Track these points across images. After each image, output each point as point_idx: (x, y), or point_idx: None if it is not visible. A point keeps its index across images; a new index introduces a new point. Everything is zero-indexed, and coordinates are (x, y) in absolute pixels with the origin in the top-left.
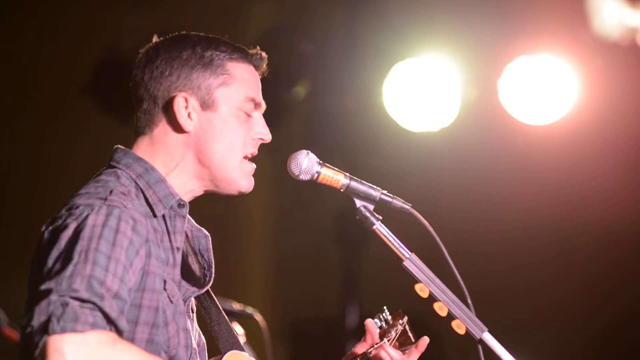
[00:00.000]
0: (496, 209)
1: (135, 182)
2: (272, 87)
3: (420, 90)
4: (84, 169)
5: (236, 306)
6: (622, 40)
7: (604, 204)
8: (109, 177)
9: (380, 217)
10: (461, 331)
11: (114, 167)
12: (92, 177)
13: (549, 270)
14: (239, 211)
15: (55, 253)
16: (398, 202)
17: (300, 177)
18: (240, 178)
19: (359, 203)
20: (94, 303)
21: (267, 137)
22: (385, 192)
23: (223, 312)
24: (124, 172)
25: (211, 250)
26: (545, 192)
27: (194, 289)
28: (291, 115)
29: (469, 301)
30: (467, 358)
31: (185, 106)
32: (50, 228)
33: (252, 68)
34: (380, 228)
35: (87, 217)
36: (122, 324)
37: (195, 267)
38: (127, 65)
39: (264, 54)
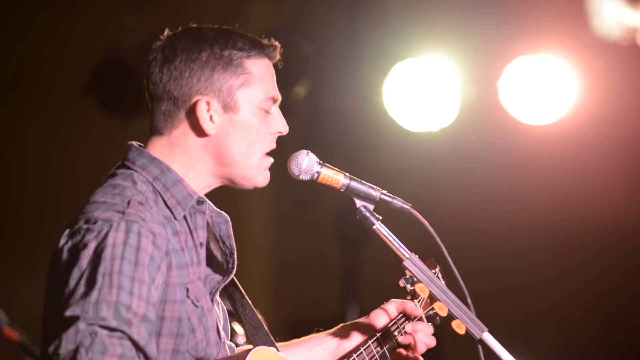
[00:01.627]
0: (496, 209)
1: (152, 185)
2: None
3: (420, 90)
4: (84, 169)
5: None
6: (622, 40)
7: (604, 204)
8: (126, 181)
9: (380, 217)
10: (461, 331)
11: (128, 167)
12: (91, 177)
13: (549, 270)
14: (239, 211)
15: (76, 273)
16: (398, 202)
17: (300, 177)
18: (258, 174)
19: (359, 203)
20: (122, 331)
21: (285, 129)
22: (385, 192)
23: (247, 297)
24: (140, 174)
25: (232, 237)
26: (545, 192)
27: (218, 277)
28: (291, 115)
29: (469, 301)
30: (467, 358)
31: (207, 109)
32: (70, 244)
33: (267, 61)
34: (380, 228)
35: (107, 235)
36: (151, 350)
37: (217, 254)
38: (127, 65)
39: (277, 43)
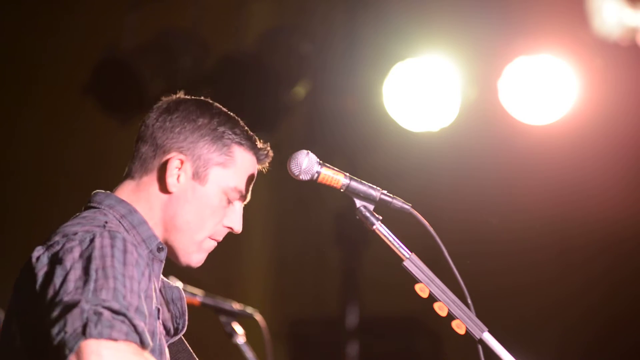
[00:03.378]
0: (496, 209)
1: (119, 222)
2: (272, 87)
3: (420, 90)
4: (83, 169)
5: (236, 306)
6: (622, 40)
7: (604, 203)
8: (95, 214)
9: (380, 217)
10: (461, 331)
11: (95, 207)
12: (91, 177)
13: (549, 270)
14: None
15: (60, 272)
16: (398, 202)
17: (300, 177)
18: (196, 252)
19: (359, 203)
20: (124, 315)
21: (238, 229)
22: (385, 192)
23: (191, 351)
24: (108, 212)
25: (184, 299)
26: (545, 192)
27: (167, 338)
28: (291, 115)
29: (469, 301)
30: (467, 358)
31: (178, 167)
32: (47, 253)
33: (254, 160)
34: (380, 228)
35: (92, 240)
36: (147, 338)
37: (166, 316)
38: (127, 65)
39: (271, 152)
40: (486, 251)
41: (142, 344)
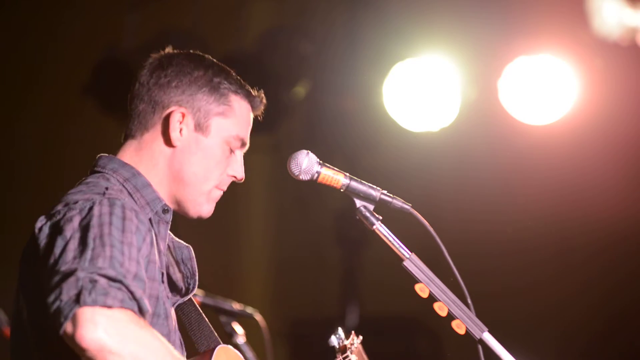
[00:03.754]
0: (496, 209)
1: (123, 186)
2: (272, 87)
3: (420, 90)
4: (83, 169)
5: (236, 306)
6: (622, 40)
7: (604, 203)
8: (98, 179)
9: (380, 217)
10: (461, 331)
11: (99, 172)
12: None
13: (549, 270)
14: (239, 211)
15: (60, 242)
16: (398, 202)
17: (300, 177)
18: (206, 202)
19: (359, 203)
20: (120, 282)
21: (241, 176)
22: (385, 192)
23: (205, 319)
24: (112, 175)
25: (194, 260)
26: (545, 192)
27: (176, 297)
28: (291, 115)
29: (469, 301)
30: (467, 358)
31: (180, 121)
32: (49, 223)
33: (250, 107)
34: (380, 228)
35: (91, 208)
36: (145, 305)
37: (177, 276)
38: (127, 65)
39: (264, 99)
40: (486, 251)
41: (140, 310)
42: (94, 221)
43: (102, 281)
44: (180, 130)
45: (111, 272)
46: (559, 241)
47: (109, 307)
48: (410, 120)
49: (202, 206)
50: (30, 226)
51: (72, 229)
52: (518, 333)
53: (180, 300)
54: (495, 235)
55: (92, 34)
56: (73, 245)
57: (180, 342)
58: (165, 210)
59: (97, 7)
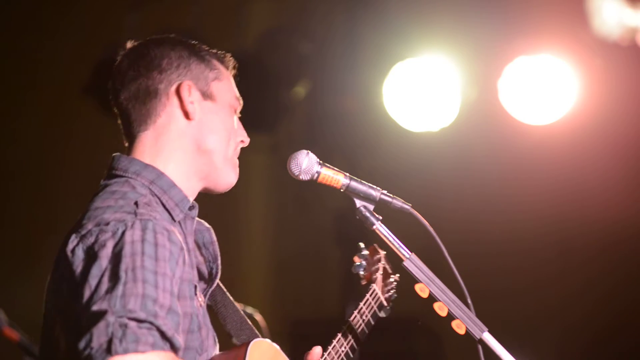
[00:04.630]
0: (496, 209)
1: (149, 189)
2: (272, 87)
3: (420, 90)
4: (83, 169)
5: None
6: (622, 40)
7: (604, 204)
8: (124, 187)
9: (380, 217)
10: (461, 331)
11: (121, 175)
12: (91, 177)
13: (549, 270)
14: (239, 211)
15: (96, 272)
16: (398, 202)
17: (300, 177)
18: (231, 170)
19: (359, 203)
20: (150, 323)
21: (247, 140)
22: (385, 192)
23: (230, 297)
24: (136, 180)
25: (216, 243)
26: (545, 192)
27: (203, 285)
28: (291, 115)
29: (469, 301)
30: (467, 358)
31: (189, 94)
32: (82, 246)
33: (227, 68)
34: (380, 228)
35: (123, 233)
36: (177, 341)
37: (201, 260)
38: None
39: (232, 58)
40: (486, 251)
41: (172, 347)
42: (126, 250)
43: (132, 325)
44: (192, 102)
45: (141, 315)
46: (559, 241)
47: (142, 352)
48: (410, 120)
49: (230, 174)
50: (30, 227)
51: (106, 256)
52: (518, 333)
53: (210, 288)
54: (495, 235)
55: (92, 34)
56: (106, 277)
57: (214, 340)
58: (191, 207)
59: (97, 7)
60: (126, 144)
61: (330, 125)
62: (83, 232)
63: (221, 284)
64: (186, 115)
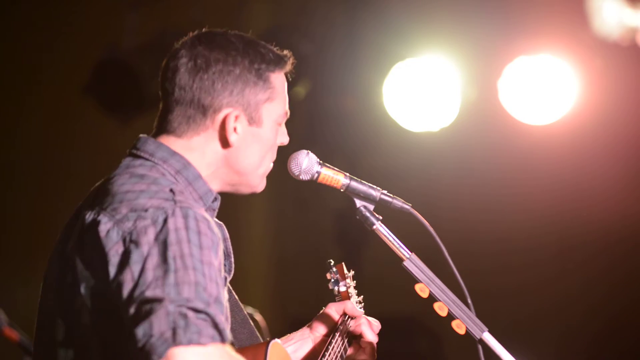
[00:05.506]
0: (496, 208)
1: (175, 179)
2: None
3: (420, 90)
4: (84, 169)
5: None
6: (622, 40)
7: (604, 203)
8: (152, 172)
9: (380, 217)
10: (461, 331)
11: (146, 159)
12: (91, 177)
13: (549, 270)
14: (239, 211)
15: (137, 257)
16: (398, 202)
17: (300, 177)
18: (261, 182)
19: (359, 203)
20: (207, 313)
21: (286, 140)
22: (385, 192)
23: (235, 295)
24: (162, 167)
25: (229, 239)
26: (545, 191)
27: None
28: (291, 115)
29: (469, 301)
30: (467, 358)
31: (234, 121)
32: (118, 229)
33: (283, 75)
34: (380, 228)
35: (165, 221)
36: (227, 335)
37: None
38: (127, 65)
39: (290, 54)
40: (486, 251)
41: (223, 340)
42: (172, 237)
43: (191, 315)
44: (235, 128)
45: (199, 305)
46: (559, 241)
47: (203, 344)
48: (410, 120)
49: (258, 186)
50: (30, 227)
51: (148, 243)
52: (518, 333)
53: (226, 283)
54: (495, 235)
55: (92, 34)
56: (151, 263)
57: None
58: (214, 200)
59: (97, 7)
60: (155, 126)
61: (330, 125)
62: (118, 216)
63: (228, 283)
64: (226, 142)
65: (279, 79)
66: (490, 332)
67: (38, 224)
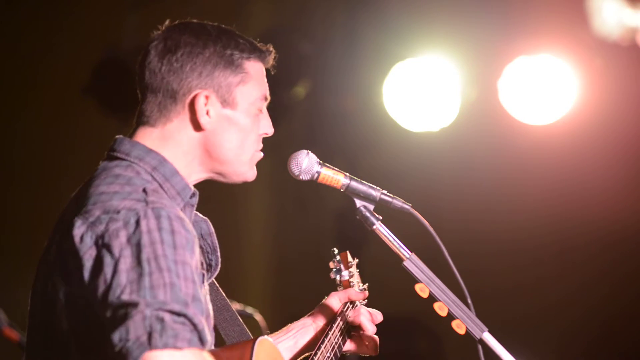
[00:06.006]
0: (496, 208)
1: (152, 176)
2: (272, 87)
3: (420, 90)
4: (84, 169)
5: (236, 306)
6: (622, 40)
7: (604, 203)
8: (127, 172)
9: (380, 217)
10: (461, 331)
11: (122, 159)
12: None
13: (549, 270)
14: (238, 211)
15: (109, 261)
16: (398, 202)
17: (301, 177)
18: (249, 169)
19: (359, 203)
20: (185, 315)
21: (271, 131)
22: (385, 192)
23: (222, 292)
24: (138, 165)
25: (214, 235)
26: (545, 191)
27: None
28: (291, 115)
29: (469, 301)
30: (467, 358)
31: (205, 103)
32: (91, 233)
33: (262, 65)
34: (380, 228)
35: (137, 222)
36: (205, 336)
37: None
38: (127, 65)
39: (272, 49)
40: (486, 251)
41: (201, 342)
42: (145, 239)
43: (168, 318)
44: (207, 111)
45: (175, 307)
46: (559, 241)
47: (179, 348)
48: (410, 120)
49: (247, 174)
50: (30, 227)
51: (120, 245)
52: (518, 333)
53: (208, 280)
54: (495, 235)
55: (92, 34)
56: (124, 266)
57: (211, 330)
58: (192, 195)
59: (97, 7)
60: (134, 123)
61: (330, 125)
62: (91, 218)
63: (214, 280)
64: (198, 125)
65: (254, 67)
66: (490, 332)
67: (38, 224)
